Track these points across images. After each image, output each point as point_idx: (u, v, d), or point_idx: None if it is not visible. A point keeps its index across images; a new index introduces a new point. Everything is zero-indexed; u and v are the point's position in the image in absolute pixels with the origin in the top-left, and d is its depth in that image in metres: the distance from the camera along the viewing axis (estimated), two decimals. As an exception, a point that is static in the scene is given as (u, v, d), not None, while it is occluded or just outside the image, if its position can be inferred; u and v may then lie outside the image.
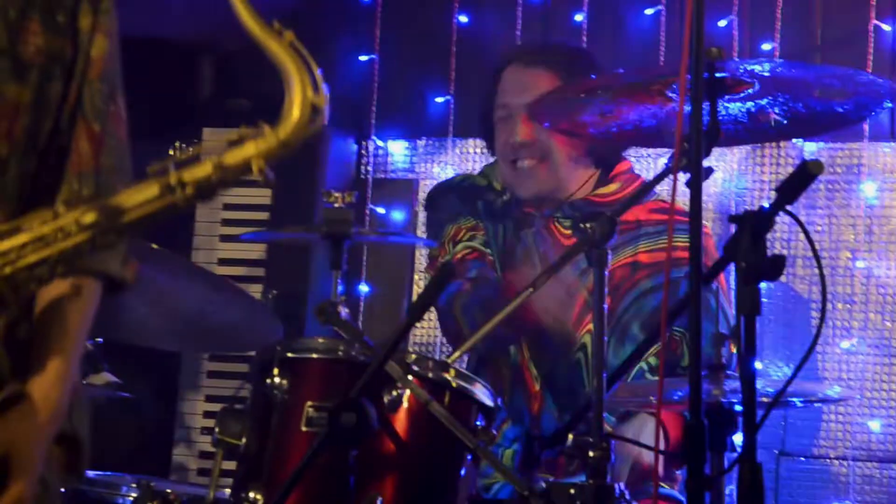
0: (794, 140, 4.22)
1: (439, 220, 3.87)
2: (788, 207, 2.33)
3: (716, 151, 2.98)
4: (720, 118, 2.90)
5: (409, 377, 2.71)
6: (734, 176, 4.38)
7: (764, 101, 3.03)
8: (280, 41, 1.72)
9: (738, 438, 2.94)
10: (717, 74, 2.85)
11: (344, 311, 2.81)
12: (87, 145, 2.01)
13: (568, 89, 3.21)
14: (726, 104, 3.02)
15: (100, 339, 3.77)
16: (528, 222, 3.73)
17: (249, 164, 1.71)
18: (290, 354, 2.80)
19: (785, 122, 3.03)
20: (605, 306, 2.71)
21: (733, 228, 2.28)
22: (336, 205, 2.95)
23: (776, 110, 3.05)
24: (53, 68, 1.95)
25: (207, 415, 4.53)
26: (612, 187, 3.70)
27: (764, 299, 4.13)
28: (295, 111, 1.72)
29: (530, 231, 3.71)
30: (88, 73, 2.00)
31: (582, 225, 2.76)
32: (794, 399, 3.25)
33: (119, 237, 1.76)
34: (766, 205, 2.33)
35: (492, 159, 3.88)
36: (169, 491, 3.05)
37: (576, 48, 4.13)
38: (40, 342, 1.93)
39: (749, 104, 3.02)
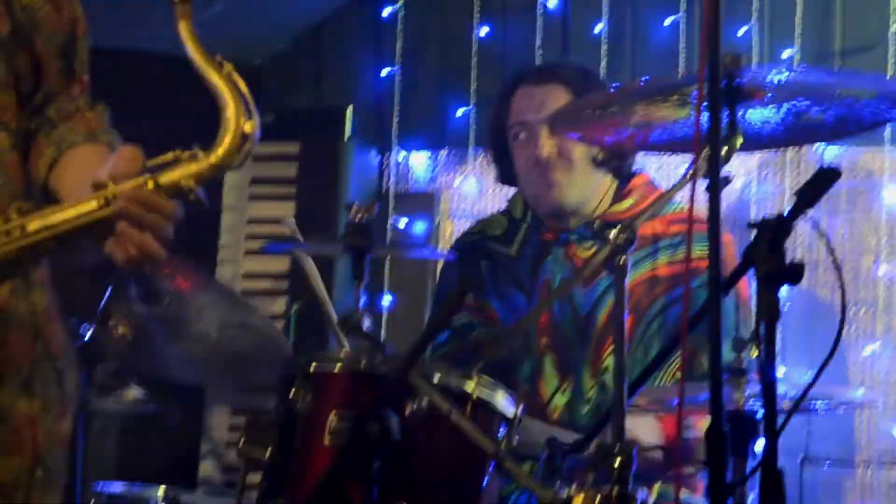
0: (814, 145, 4.20)
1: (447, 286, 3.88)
2: (809, 212, 2.33)
3: (735, 159, 2.97)
4: (751, 124, 2.90)
5: (432, 388, 2.71)
6: (753, 182, 4.36)
7: (784, 107, 3.02)
8: (220, 71, 1.83)
9: (759, 445, 2.93)
10: (735, 81, 2.84)
11: (366, 323, 2.81)
12: (85, 92, 2.14)
13: (590, 101, 3.20)
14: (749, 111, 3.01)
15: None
16: (546, 251, 3.71)
17: (181, 185, 1.83)
18: (313, 368, 2.80)
19: (826, 117, 3.01)
20: (626, 322, 2.70)
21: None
22: (357, 218, 2.95)
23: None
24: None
25: (233, 428, 4.52)
26: (628, 203, 3.68)
27: (786, 305, 4.14)
28: (227, 137, 1.83)
29: (549, 260, 3.69)
30: (75, 30, 2.11)
31: (601, 233, 2.76)
32: (818, 401, 3.23)
33: (58, 244, 1.86)
34: (786, 210, 2.32)
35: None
36: (197, 503, 3.04)
37: (584, 68, 4.13)
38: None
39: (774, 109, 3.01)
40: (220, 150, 1.82)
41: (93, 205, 1.84)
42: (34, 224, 1.83)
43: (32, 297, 2.05)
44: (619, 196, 3.70)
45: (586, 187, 3.66)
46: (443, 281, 3.97)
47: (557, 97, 3.62)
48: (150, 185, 1.82)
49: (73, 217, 1.84)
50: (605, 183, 3.69)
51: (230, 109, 1.82)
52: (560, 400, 3.60)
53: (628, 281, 2.75)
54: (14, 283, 1.99)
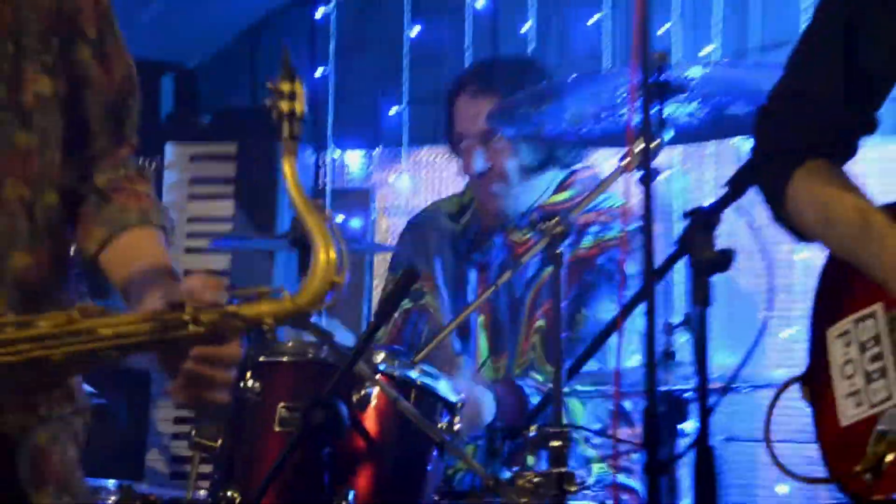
0: (730, 140, 4.23)
1: (399, 258, 3.89)
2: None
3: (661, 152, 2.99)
4: (675, 118, 2.93)
5: (378, 376, 2.72)
6: (677, 175, 4.39)
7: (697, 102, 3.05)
8: (318, 215, 1.74)
9: (687, 426, 2.97)
10: (663, 78, 2.87)
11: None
12: (133, 155, 2.08)
13: (524, 98, 3.22)
14: (678, 105, 3.04)
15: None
16: (488, 234, 3.74)
17: (262, 321, 1.75)
18: (261, 358, 2.80)
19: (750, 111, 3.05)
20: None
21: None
22: (299, 213, 2.95)
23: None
24: (50, 106, 1.96)
25: (178, 420, 4.50)
26: (565, 194, 3.71)
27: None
28: (315, 284, 1.75)
29: (487, 245, 3.73)
30: (124, 91, 2.06)
31: (539, 226, 2.78)
32: (743, 384, 3.27)
33: (122, 355, 1.77)
34: (715, 200, 2.35)
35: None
36: (149, 493, 3.03)
37: (521, 61, 4.12)
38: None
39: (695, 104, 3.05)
40: (307, 296, 1.75)
41: (167, 324, 1.73)
42: (106, 330, 1.73)
43: None
44: (559, 187, 3.73)
45: (524, 194, 3.69)
46: (394, 259, 3.99)
47: (489, 109, 3.59)
48: (231, 317, 1.74)
49: (146, 331, 1.74)
50: (548, 177, 3.71)
51: (323, 257, 1.74)
52: (494, 375, 3.63)
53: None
54: None
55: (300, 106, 1.73)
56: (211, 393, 1.83)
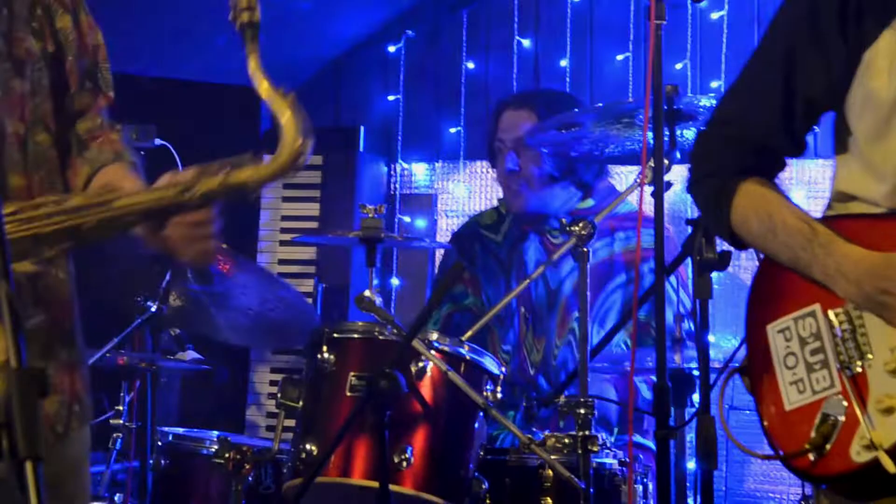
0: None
1: (447, 263, 3.91)
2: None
3: (675, 169, 2.97)
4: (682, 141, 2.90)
5: (432, 351, 2.71)
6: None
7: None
8: (283, 98, 1.77)
9: (696, 397, 2.94)
10: (675, 106, 2.84)
11: (378, 300, 2.81)
12: (107, 108, 2.11)
13: (556, 121, 3.20)
14: (685, 130, 3.01)
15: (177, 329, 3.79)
16: (523, 237, 3.73)
17: (246, 185, 1.77)
18: (335, 335, 2.80)
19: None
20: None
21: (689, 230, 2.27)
22: (370, 215, 2.95)
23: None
24: (38, 62, 2.00)
25: (273, 383, 4.52)
26: (590, 202, 3.69)
27: (716, 286, 4.14)
28: (286, 152, 1.77)
29: (525, 243, 3.72)
30: (97, 56, 2.09)
31: (568, 228, 2.76)
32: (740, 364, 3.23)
33: (137, 220, 1.81)
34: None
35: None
36: (242, 444, 3.03)
37: (558, 92, 4.14)
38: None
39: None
40: (280, 161, 1.77)
41: (170, 192, 1.79)
42: (123, 201, 1.78)
43: (68, 267, 2.04)
44: (582, 197, 3.71)
45: (541, 198, 3.67)
46: (443, 262, 3.99)
47: (525, 120, 3.65)
48: (221, 182, 1.77)
49: (154, 199, 1.79)
50: (566, 194, 3.69)
51: (290, 128, 1.76)
52: (535, 357, 3.62)
53: (591, 263, 2.77)
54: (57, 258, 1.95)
55: (256, 15, 1.78)
56: (203, 244, 1.87)
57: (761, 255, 2.13)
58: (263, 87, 1.77)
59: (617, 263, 3.62)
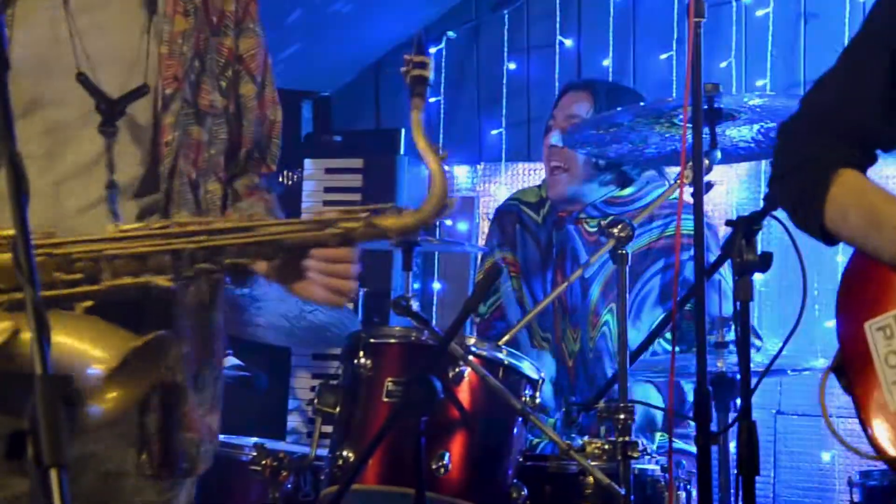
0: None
1: (489, 246, 3.90)
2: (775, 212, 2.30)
3: (720, 169, 2.94)
4: (730, 141, 2.86)
5: (470, 356, 2.70)
6: (736, 189, 4.33)
7: (757, 127, 2.99)
8: (436, 156, 1.83)
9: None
10: (715, 105, 2.81)
11: (415, 304, 2.80)
12: (268, 176, 2.18)
13: (592, 123, 3.18)
14: (731, 130, 2.97)
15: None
16: (560, 226, 3.72)
17: (386, 232, 1.82)
18: (372, 340, 2.79)
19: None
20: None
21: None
22: (407, 219, 2.93)
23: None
24: (219, 116, 2.06)
25: (314, 389, 4.51)
26: (629, 190, 3.66)
27: (762, 288, 4.10)
28: (432, 203, 1.83)
29: (563, 232, 3.70)
30: (272, 131, 2.15)
31: (607, 230, 2.73)
32: (787, 368, 3.21)
33: (276, 251, 1.84)
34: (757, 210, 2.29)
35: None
36: (279, 450, 3.04)
37: (624, 87, 4.13)
38: None
39: (753, 127, 2.98)
40: (425, 212, 1.82)
41: (313, 226, 1.83)
42: (266, 230, 1.82)
43: (214, 312, 2.06)
44: (621, 184, 3.68)
45: (580, 186, 3.65)
46: (488, 239, 3.96)
47: (581, 103, 3.65)
48: (364, 224, 1.81)
49: (298, 230, 1.83)
50: (605, 188, 3.67)
51: (438, 183, 1.83)
52: (573, 346, 3.60)
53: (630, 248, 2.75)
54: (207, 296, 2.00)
55: (427, 73, 1.85)
56: (343, 283, 1.91)
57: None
58: (420, 140, 1.83)
59: (654, 250, 3.59)
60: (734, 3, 4.22)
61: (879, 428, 1.99)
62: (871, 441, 2.00)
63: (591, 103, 3.62)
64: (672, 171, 3.88)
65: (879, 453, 1.97)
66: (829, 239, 2.09)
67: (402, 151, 4.62)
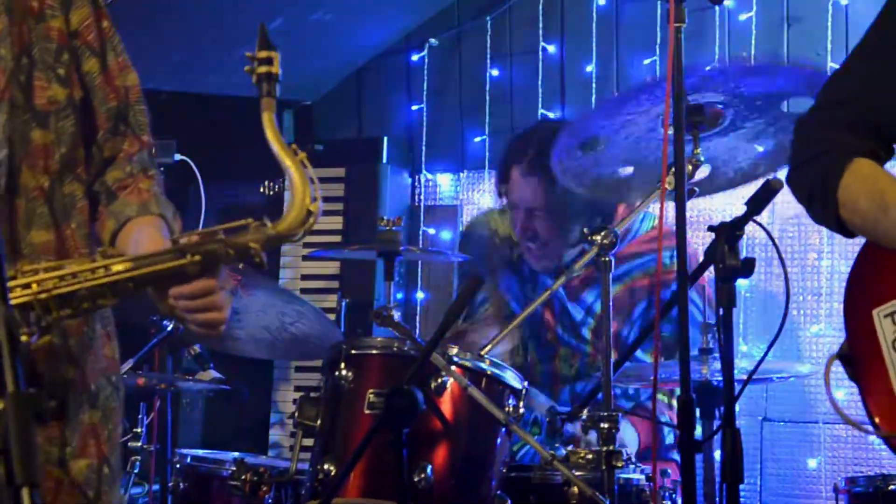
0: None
1: (465, 266, 3.91)
2: (758, 217, 2.29)
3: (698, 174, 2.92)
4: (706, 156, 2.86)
5: (452, 367, 2.69)
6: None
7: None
8: (294, 157, 1.74)
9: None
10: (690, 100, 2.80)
11: (397, 314, 2.79)
12: (142, 151, 2.07)
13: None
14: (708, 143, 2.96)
15: (198, 347, 3.78)
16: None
17: (249, 248, 1.73)
18: (353, 351, 2.78)
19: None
20: (612, 325, 2.71)
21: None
22: (387, 228, 2.93)
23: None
24: (64, 110, 1.98)
25: (296, 402, 4.50)
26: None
27: (748, 294, 4.09)
28: (293, 213, 1.74)
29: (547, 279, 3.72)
30: (129, 97, 2.06)
31: (589, 237, 2.73)
32: (773, 375, 3.20)
33: (136, 288, 1.75)
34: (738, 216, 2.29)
35: None
36: (259, 465, 3.02)
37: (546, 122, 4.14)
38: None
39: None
40: (286, 223, 1.73)
41: (169, 257, 1.74)
42: (118, 266, 1.74)
43: (94, 323, 2.02)
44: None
45: (559, 252, 3.68)
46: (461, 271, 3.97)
47: (537, 188, 3.62)
48: (223, 244, 1.73)
49: (152, 264, 1.74)
50: (577, 249, 3.67)
51: (298, 189, 1.73)
52: (569, 371, 3.60)
53: (613, 290, 2.74)
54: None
55: (275, 69, 1.74)
56: (210, 316, 1.85)
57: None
58: (276, 142, 1.73)
59: (637, 290, 3.60)
60: (717, 8, 4.23)
61: (886, 416, 1.99)
62: (877, 431, 2.01)
63: (546, 186, 3.59)
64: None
65: (888, 442, 1.97)
66: (846, 230, 2.09)
67: (384, 160, 4.61)
